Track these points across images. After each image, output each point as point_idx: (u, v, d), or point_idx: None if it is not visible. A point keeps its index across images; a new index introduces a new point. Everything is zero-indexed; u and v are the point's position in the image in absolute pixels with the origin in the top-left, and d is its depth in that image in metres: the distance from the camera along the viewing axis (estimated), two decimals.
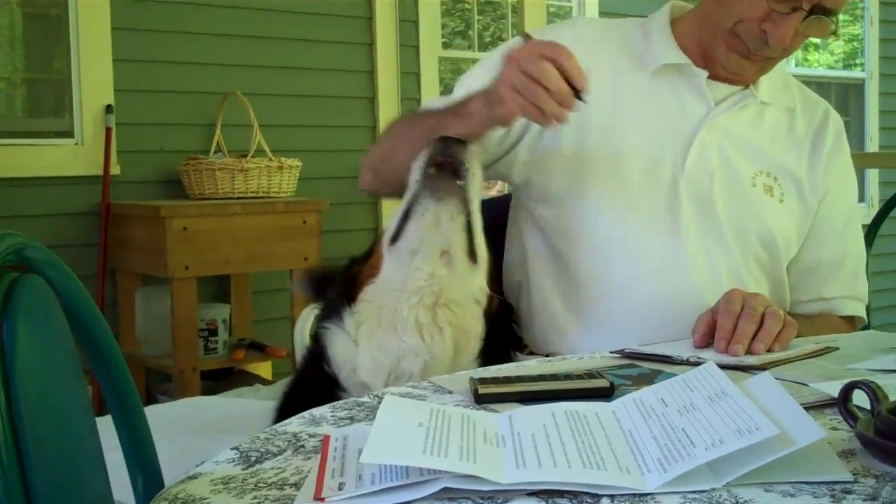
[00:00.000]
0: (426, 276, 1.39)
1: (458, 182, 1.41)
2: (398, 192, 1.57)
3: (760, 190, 1.67)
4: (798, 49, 1.67)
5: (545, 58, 1.35)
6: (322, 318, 1.48)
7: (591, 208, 1.63)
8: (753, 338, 1.32)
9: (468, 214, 1.41)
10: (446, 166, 1.42)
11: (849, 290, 1.75)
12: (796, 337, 1.42)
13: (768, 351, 1.31)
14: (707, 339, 1.35)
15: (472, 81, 1.64)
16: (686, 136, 1.66)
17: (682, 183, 1.63)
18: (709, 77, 1.68)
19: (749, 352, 1.30)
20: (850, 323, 1.77)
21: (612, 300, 1.62)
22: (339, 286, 1.49)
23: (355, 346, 1.41)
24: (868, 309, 1.82)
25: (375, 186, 1.73)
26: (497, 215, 1.78)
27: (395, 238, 1.43)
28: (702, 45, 1.68)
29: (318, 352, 1.45)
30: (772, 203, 1.67)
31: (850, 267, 1.75)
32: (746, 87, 1.70)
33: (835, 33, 1.58)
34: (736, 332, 1.32)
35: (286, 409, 1.45)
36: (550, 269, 1.68)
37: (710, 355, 1.27)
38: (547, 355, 1.59)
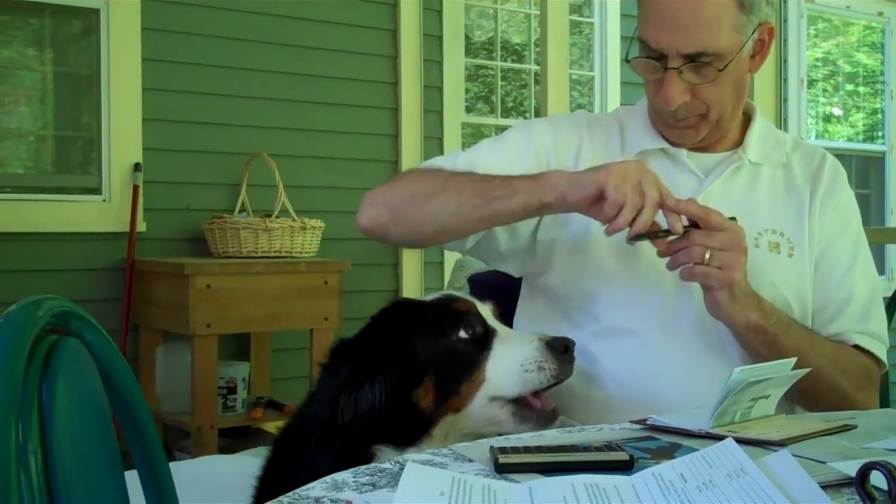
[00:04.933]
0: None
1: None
2: (412, 240, 1.65)
3: (765, 249, 1.68)
4: (724, 96, 1.64)
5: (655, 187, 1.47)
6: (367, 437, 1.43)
7: (602, 284, 1.67)
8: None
9: None
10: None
11: (857, 326, 1.71)
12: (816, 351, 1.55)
13: None
14: None
15: (496, 157, 1.72)
16: None
17: None
18: (691, 150, 1.72)
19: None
20: (869, 357, 1.71)
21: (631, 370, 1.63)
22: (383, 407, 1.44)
23: None
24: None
25: (385, 226, 1.65)
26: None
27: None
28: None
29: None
30: (779, 259, 1.68)
31: (858, 305, 1.71)
32: (734, 151, 1.73)
33: (722, 70, 1.58)
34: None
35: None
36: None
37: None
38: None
